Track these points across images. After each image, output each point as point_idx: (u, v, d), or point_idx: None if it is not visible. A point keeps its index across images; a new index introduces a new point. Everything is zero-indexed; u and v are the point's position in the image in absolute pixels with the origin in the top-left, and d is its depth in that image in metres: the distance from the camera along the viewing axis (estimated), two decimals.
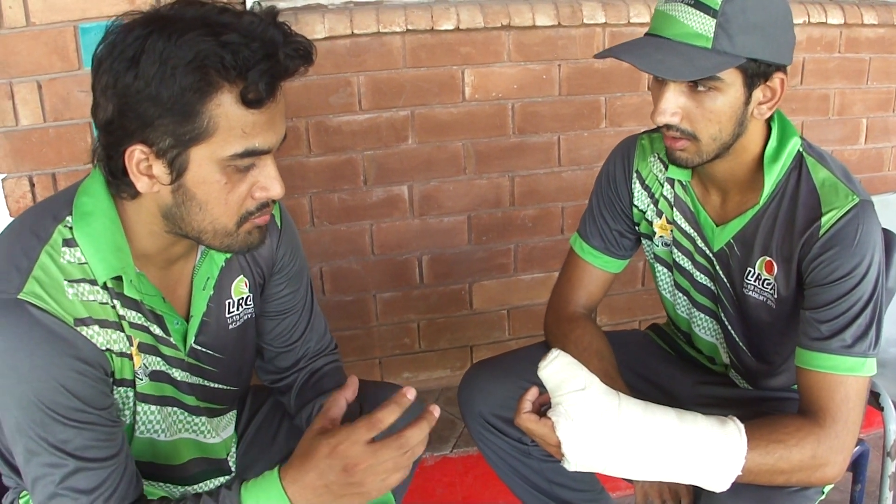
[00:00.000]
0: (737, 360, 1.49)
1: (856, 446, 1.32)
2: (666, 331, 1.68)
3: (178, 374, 1.19)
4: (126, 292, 1.07)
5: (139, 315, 1.11)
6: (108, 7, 1.78)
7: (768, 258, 1.33)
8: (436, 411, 1.06)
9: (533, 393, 1.21)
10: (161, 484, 1.26)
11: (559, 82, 2.28)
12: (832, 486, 1.30)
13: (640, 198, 1.49)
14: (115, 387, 1.11)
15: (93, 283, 1.05)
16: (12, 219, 1.33)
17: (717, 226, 1.38)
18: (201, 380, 1.23)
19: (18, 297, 0.99)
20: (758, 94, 1.23)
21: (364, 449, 1.01)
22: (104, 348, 1.06)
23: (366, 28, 2.05)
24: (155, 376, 1.16)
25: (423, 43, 2.13)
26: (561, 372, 1.16)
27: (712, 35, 1.16)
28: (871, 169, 2.73)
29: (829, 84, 2.56)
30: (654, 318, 2.50)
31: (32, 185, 1.89)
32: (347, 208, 2.22)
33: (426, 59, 2.15)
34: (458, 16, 2.11)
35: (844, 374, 1.22)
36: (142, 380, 1.14)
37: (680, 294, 1.51)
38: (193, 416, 1.24)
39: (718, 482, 1.19)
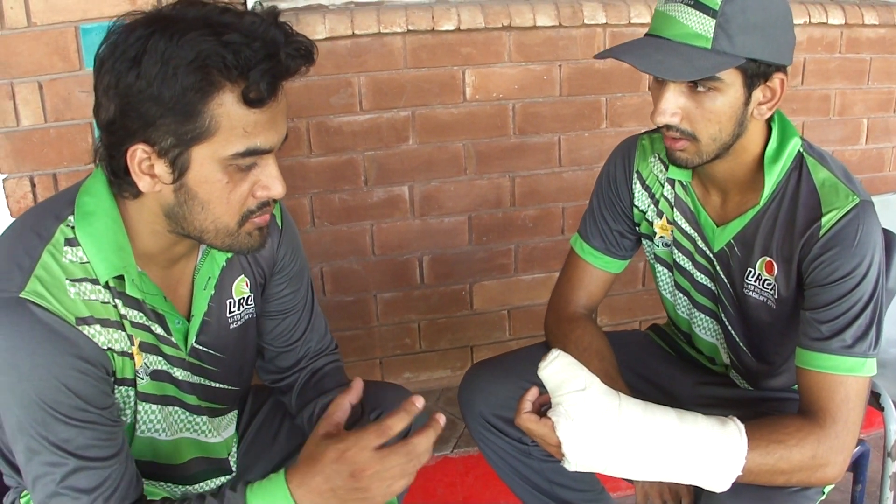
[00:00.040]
0: (737, 361, 1.49)
1: (856, 446, 1.32)
2: (666, 331, 1.68)
3: (179, 373, 1.19)
4: (128, 291, 1.08)
5: (141, 314, 1.11)
6: (110, 7, 1.79)
7: (768, 258, 1.33)
8: (441, 420, 1.07)
9: (533, 393, 1.21)
10: (162, 483, 1.26)
11: (560, 83, 2.28)
12: (832, 486, 1.30)
13: (641, 198, 1.49)
14: (116, 386, 1.11)
15: (94, 282, 1.05)
16: (13, 219, 1.33)
17: (717, 226, 1.38)
18: (202, 379, 1.23)
19: (20, 295, 0.99)
20: (758, 94, 1.23)
21: (372, 455, 1.02)
22: (105, 347, 1.06)
23: (367, 28, 2.06)
24: (156, 376, 1.16)
25: (424, 43, 2.13)
26: (561, 372, 1.16)
27: (712, 35, 1.16)
28: (871, 169, 2.73)
29: (830, 84, 2.56)
30: (655, 318, 2.50)
31: (33, 186, 1.89)
32: (348, 208, 2.22)
33: (427, 60, 2.15)
34: (459, 16, 2.11)
35: (845, 375, 1.22)
36: (143, 379, 1.14)
37: (680, 294, 1.51)
38: (194, 416, 1.25)
39: (719, 482, 1.19)
